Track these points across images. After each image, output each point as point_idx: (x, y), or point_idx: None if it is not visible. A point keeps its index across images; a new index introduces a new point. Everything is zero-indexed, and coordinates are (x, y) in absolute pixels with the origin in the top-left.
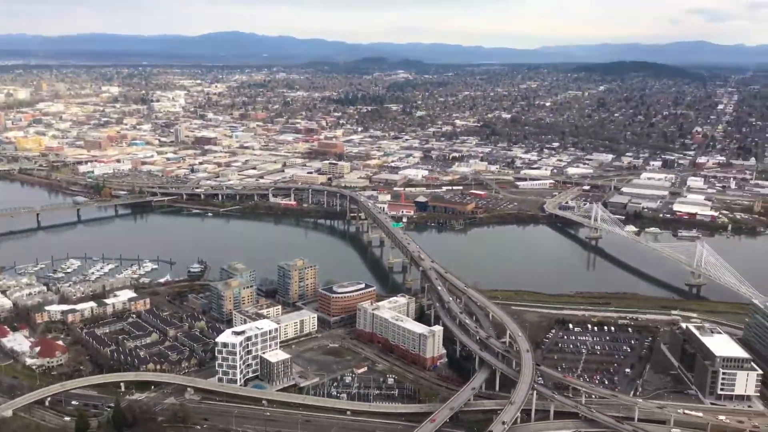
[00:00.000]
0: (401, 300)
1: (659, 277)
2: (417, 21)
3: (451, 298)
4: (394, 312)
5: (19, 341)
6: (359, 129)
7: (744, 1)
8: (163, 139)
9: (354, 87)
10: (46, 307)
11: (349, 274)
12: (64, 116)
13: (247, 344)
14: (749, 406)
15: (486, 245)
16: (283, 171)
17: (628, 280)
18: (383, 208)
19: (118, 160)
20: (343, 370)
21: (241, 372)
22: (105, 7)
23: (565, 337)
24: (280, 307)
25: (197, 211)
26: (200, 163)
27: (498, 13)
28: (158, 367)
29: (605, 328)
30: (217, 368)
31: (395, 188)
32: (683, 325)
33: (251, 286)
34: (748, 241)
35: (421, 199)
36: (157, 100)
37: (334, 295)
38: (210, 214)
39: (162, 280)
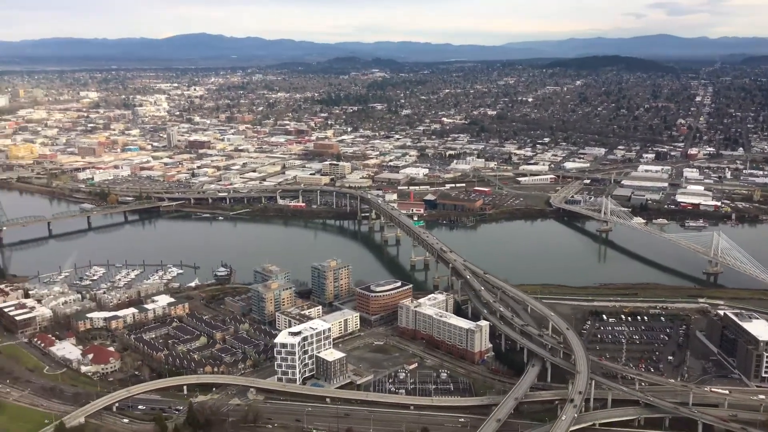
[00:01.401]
0: (440, 297)
1: (675, 267)
2: (384, 20)
3: (488, 294)
4: (435, 309)
5: (68, 349)
6: (349, 129)
7: None
8: (155, 143)
9: (334, 87)
10: (88, 315)
11: (371, 272)
12: (49, 123)
13: (304, 344)
14: None
15: (498, 241)
16: (283, 173)
17: (644, 270)
18: (393, 207)
19: (116, 166)
20: (395, 367)
21: (300, 371)
22: (66, 11)
23: (602, 327)
24: (320, 307)
25: (207, 215)
26: (198, 167)
27: (464, 11)
28: (215, 369)
29: (638, 317)
30: (276, 368)
31: (399, 187)
32: (720, 312)
33: (290, 288)
34: (753, 229)
35: (430, 197)
36: (140, 105)
37: (373, 294)
38: (221, 217)
39: (192, 284)
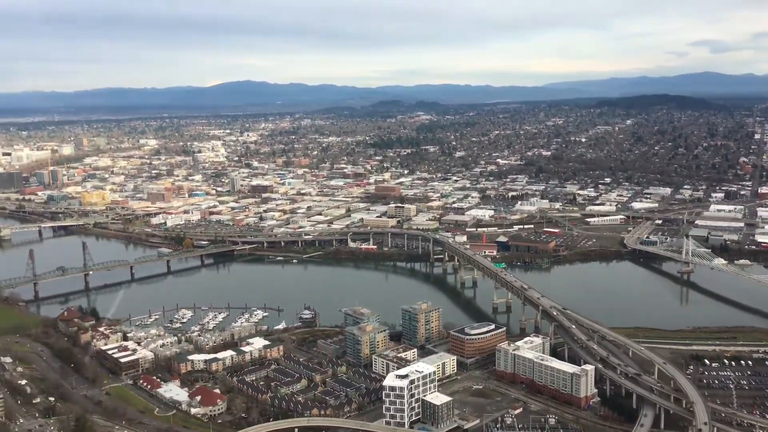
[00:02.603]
0: (537, 340)
1: (765, 310)
2: (422, 63)
3: (586, 337)
4: (535, 352)
5: (175, 391)
6: (405, 172)
7: (747, 31)
8: (218, 188)
9: (383, 130)
10: (189, 357)
11: (452, 315)
12: (115, 170)
13: (411, 387)
14: None
15: (575, 283)
16: (349, 216)
17: (734, 313)
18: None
19: (186, 211)
20: (500, 412)
21: (408, 415)
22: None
23: (705, 372)
24: (415, 350)
25: (280, 258)
26: (265, 211)
27: (501, 53)
28: (321, 412)
29: (741, 362)
30: (384, 411)
31: (467, 229)
32: None
33: (385, 331)
34: None
35: (502, 239)
36: (199, 151)
37: (468, 337)
38: (295, 260)
39: (279, 327)
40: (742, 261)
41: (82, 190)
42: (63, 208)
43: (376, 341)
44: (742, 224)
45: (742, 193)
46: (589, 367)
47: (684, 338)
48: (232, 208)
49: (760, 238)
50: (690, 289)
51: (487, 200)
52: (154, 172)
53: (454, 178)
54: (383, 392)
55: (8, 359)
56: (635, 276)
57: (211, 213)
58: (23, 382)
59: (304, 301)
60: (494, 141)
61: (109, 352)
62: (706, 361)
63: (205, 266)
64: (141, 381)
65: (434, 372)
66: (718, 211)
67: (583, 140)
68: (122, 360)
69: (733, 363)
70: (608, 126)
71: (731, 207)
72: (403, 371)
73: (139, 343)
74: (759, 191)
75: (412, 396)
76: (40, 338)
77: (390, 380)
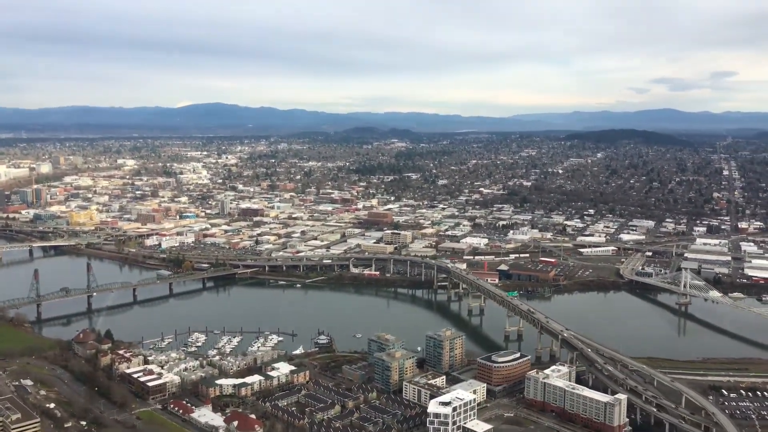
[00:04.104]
0: (563, 369)
1: (766, 342)
2: (392, 91)
3: (609, 366)
4: (565, 380)
5: (209, 416)
6: (392, 198)
7: (705, 71)
8: (207, 211)
9: (362, 157)
10: (217, 381)
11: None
12: (97, 190)
13: (453, 414)
14: None
15: (576, 312)
16: (345, 241)
17: (733, 345)
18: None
19: (179, 233)
20: None
21: None
22: (80, 80)
23: (726, 403)
24: (444, 377)
25: (283, 282)
26: (259, 235)
27: (469, 83)
28: None
29: (758, 393)
30: None
31: (465, 257)
32: None
33: (413, 357)
34: None
35: (504, 267)
36: (181, 173)
37: (496, 365)
38: (298, 285)
39: (298, 352)
40: (736, 294)
41: (68, 210)
42: (51, 228)
43: (404, 367)
44: (729, 258)
45: (722, 227)
46: (622, 396)
47: (696, 369)
48: (225, 231)
49: (750, 272)
50: (688, 320)
51: (479, 228)
52: (138, 192)
53: (441, 206)
54: (428, 419)
55: (29, 382)
56: (634, 307)
57: (205, 235)
58: (51, 405)
59: (312, 326)
60: (474, 170)
61: (134, 375)
62: (724, 392)
63: (207, 289)
64: (171, 405)
65: (474, 399)
66: (704, 244)
67: (560, 172)
68: (150, 384)
69: (750, 394)
70: (581, 158)
71: (716, 241)
72: (445, 398)
73: (162, 367)
74: (739, 226)
75: (454, 423)
76: (57, 361)
77: (434, 407)
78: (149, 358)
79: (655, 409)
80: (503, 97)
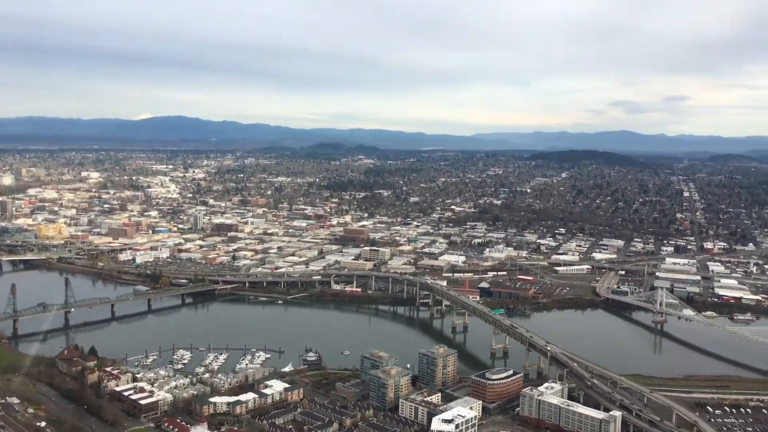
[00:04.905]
0: (556, 386)
1: (742, 361)
2: (356, 108)
3: (600, 383)
4: (559, 397)
5: None
6: (365, 215)
7: (660, 94)
8: (180, 226)
9: (331, 173)
10: (211, 399)
11: None
12: (64, 203)
13: None
14: None
15: (557, 330)
16: (323, 257)
17: (709, 362)
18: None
19: (153, 248)
20: None
21: None
22: (36, 90)
23: (712, 420)
24: (439, 394)
25: (264, 298)
26: (235, 250)
27: (432, 101)
28: None
29: (742, 410)
30: None
31: (444, 274)
32: None
33: (408, 374)
34: None
35: (484, 285)
36: (149, 186)
37: (490, 382)
38: (280, 301)
39: (287, 369)
40: (708, 312)
41: (35, 223)
42: (20, 241)
43: (400, 385)
44: (699, 277)
45: (689, 247)
46: (617, 413)
47: (681, 386)
48: (201, 246)
49: (720, 291)
50: (664, 338)
51: (455, 246)
52: (105, 206)
53: (415, 223)
54: None
55: (15, 400)
56: (611, 324)
57: (180, 250)
58: (42, 424)
59: (297, 343)
60: (444, 188)
61: (125, 393)
62: (709, 409)
63: (186, 305)
64: (165, 424)
65: (475, 417)
66: (674, 264)
67: (528, 191)
68: (142, 402)
69: (734, 411)
70: (546, 178)
71: (684, 260)
72: (447, 415)
73: (152, 384)
74: (705, 246)
75: None
76: (41, 378)
77: (437, 425)
78: (138, 375)
79: (647, 425)
80: (465, 116)
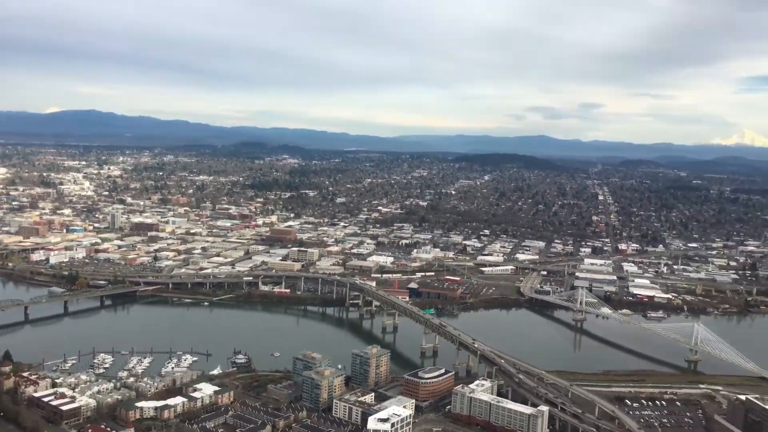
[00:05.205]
0: (487, 383)
1: (655, 356)
2: (278, 106)
3: (527, 379)
4: (489, 394)
5: None
6: (292, 215)
7: (576, 102)
8: (96, 225)
9: (255, 172)
10: (137, 404)
11: None
12: None
13: (391, 430)
14: None
15: (483, 329)
16: (250, 258)
17: (625, 358)
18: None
19: (68, 248)
20: None
21: None
22: None
23: (631, 412)
24: (373, 394)
25: (188, 300)
26: (157, 251)
27: (355, 102)
28: None
29: (657, 402)
30: None
31: (373, 275)
32: (741, 397)
33: (342, 375)
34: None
35: (413, 285)
36: (61, 183)
37: (423, 381)
38: (206, 303)
39: (216, 372)
40: (624, 310)
41: None
42: None
43: (333, 385)
44: (614, 277)
45: (605, 248)
46: (545, 408)
47: (600, 381)
48: (119, 246)
49: (634, 290)
50: (584, 335)
51: (383, 247)
52: (15, 203)
53: (342, 224)
54: None
55: None
56: (535, 323)
57: (97, 251)
58: None
59: (224, 345)
60: (370, 189)
61: (45, 399)
62: (627, 402)
63: (105, 307)
64: (89, 431)
65: (410, 415)
66: (592, 264)
67: (453, 192)
68: (63, 408)
69: (650, 403)
70: (470, 180)
71: (601, 261)
72: (382, 414)
73: (73, 390)
74: (619, 247)
75: None
76: None
77: (373, 424)
78: (58, 380)
79: (572, 419)
80: (389, 118)
